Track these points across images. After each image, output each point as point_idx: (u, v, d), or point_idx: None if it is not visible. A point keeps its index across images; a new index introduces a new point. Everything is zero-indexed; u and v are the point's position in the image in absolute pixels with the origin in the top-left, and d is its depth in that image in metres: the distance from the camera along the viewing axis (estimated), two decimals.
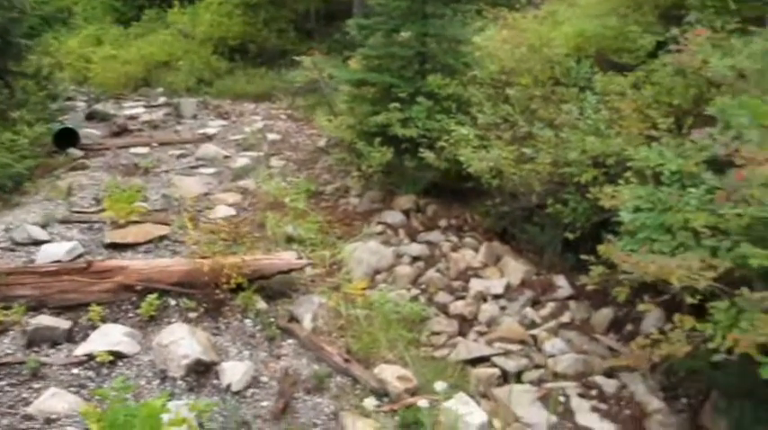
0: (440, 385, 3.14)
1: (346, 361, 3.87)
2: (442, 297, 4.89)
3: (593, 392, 3.91)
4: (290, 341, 4.13)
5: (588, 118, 4.76)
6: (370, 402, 3.33)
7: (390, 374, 3.69)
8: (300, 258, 4.93)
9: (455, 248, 5.39)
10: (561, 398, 3.85)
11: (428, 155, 5.51)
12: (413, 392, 3.59)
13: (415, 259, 5.35)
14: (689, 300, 2.92)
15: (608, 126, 4.61)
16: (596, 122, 4.67)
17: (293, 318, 4.36)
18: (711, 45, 4.57)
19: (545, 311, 4.67)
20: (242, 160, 7.79)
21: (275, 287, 4.61)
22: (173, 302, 4.28)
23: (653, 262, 2.84)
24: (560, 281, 4.89)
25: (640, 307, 3.39)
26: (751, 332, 2.46)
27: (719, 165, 3.36)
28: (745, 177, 2.72)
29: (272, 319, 4.27)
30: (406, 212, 5.97)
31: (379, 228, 5.81)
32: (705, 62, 4.25)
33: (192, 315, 4.20)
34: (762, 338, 2.44)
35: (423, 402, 3.19)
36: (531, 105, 5.50)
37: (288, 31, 13.48)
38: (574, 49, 6.05)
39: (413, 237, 5.65)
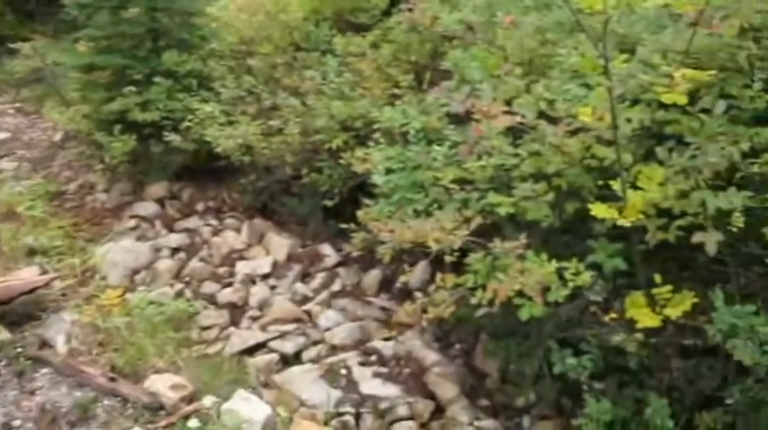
0: (209, 399, 2.92)
1: (112, 380, 3.47)
2: (208, 287, 4.61)
3: (373, 358, 3.92)
4: (44, 370, 3.61)
5: (332, 82, 4.70)
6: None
7: (163, 384, 3.37)
8: (45, 272, 4.35)
9: (216, 232, 5.12)
10: (343, 371, 3.80)
11: (174, 138, 5.16)
12: (190, 399, 3.31)
13: (176, 250, 4.99)
14: (448, 258, 2.96)
15: (352, 89, 4.58)
16: (340, 86, 4.62)
17: (45, 344, 3.82)
18: (440, 1, 4.70)
19: (315, 283, 4.59)
20: None
21: (19, 310, 4.01)
22: None
23: (409, 227, 2.82)
24: (326, 249, 4.84)
25: (402, 278, 3.44)
26: (507, 282, 2.53)
27: (461, 119, 3.43)
28: (483, 131, 2.77)
29: (20, 350, 3.71)
30: (160, 201, 5.55)
31: (133, 222, 5.34)
32: (436, 18, 4.35)
33: None
34: (518, 286, 2.51)
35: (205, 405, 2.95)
36: (274, 74, 5.34)
37: (4, 14, 11.92)
38: (311, 12, 5.94)
39: (170, 227, 5.27)
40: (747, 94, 2.91)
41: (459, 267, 3.13)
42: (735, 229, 2.65)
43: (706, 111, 2.84)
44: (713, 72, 2.63)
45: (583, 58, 2.82)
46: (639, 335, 2.78)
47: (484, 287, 2.76)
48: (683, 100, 2.38)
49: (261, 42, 5.61)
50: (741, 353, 2.52)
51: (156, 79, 5.41)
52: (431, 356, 3.84)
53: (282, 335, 4.10)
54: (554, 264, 2.67)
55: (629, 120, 2.83)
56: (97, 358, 3.72)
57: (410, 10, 4.49)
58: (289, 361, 3.93)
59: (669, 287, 2.67)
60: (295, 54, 5.43)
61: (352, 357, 3.91)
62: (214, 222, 5.28)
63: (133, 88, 5.36)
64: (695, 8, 2.51)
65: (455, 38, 4.22)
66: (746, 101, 2.91)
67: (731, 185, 2.73)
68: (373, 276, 4.57)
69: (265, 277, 4.65)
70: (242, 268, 4.70)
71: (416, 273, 4.27)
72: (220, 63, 5.68)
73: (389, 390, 3.66)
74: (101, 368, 3.57)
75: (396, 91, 4.26)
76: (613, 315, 2.83)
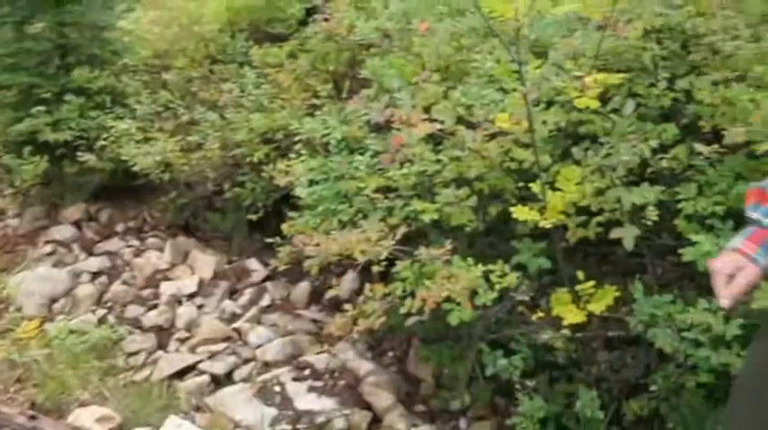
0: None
1: (32, 418, 3.29)
2: (132, 311, 4.46)
3: (307, 372, 3.87)
4: None
5: (250, 94, 4.63)
6: None
7: (88, 417, 3.25)
8: None
9: (138, 253, 4.96)
10: (277, 388, 3.74)
11: (89, 157, 4.98)
12: None
13: (96, 275, 4.80)
14: (375, 268, 2.96)
15: (271, 100, 4.52)
16: (259, 98, 4.55)
17: None
18: (356, 8, 4.70)
19: (244, 299, 4.50)
20: None
21: None
22: None
23: (335, 239, 2.80)
24: (253, 264, 4.76)
25: (330, 291, 3.43)
26: (435, 289, 2.54)
27: (381, 127, 3.44)
28: (404, 139, 2.78)
29: None
30: (77, 224, 5.34)
31: (48, 248, 5.12)
32: (352, 26, 4.35)
33: None
34: (445, 292, 2.52)
35: None
36: (191, 88, 5.23)
37: None
38: (227, 23, 5.84)
39: (89, 251, 5.07)
40: (653, 92, 3.02)
41: (387, 276, 3.13)
42: (649, 223, 2.75)
43: (616, 110, 2.95)
44: (622, 75, 2.72)
45: (498, 63, 2.87)
46: (566, 332, 2.85)
47: (413, 295, 2.77)
48: (595, 104, 2.45)
49: (176, 56, 5.49)
50: (661, 341, 2.62)
51: (67, 97, 5.20)
52: (365, 366, 3.82)
53: (212, 356, 3.99)
54: (480, 268, 2.70)
55: (544, 123, 2.90)
56: (15, 396, 3.55)
57: (326, 20, 4.49)
58: (220, 382, 3.83)
59: (592, 282, 2.74)
60: (212, 67, 5.33)
61: (285, 373, 3.85)
62: (135, 243, 5.12)
63: (42, 107, 5.15)
64: (602, 13, 2.59)
65: (372, 46, 4.23)
66: (653, 99, 3.02)
67: (644, 181, 2.83)
68: (302, 289, 4.52)
69: (192, 296, 4.53)
70: (167, 289, 4.57)
71: (345, 284, 4.26)
72: (134, 78, 5.52)
73: (325, 404, 3.63)
74: (20, 406, 3.40)
75: (315, 101, 4.23)
76: (540, 313, 2.89)
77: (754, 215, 1.47)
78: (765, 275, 1.43)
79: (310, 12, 5.21)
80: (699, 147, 2.74)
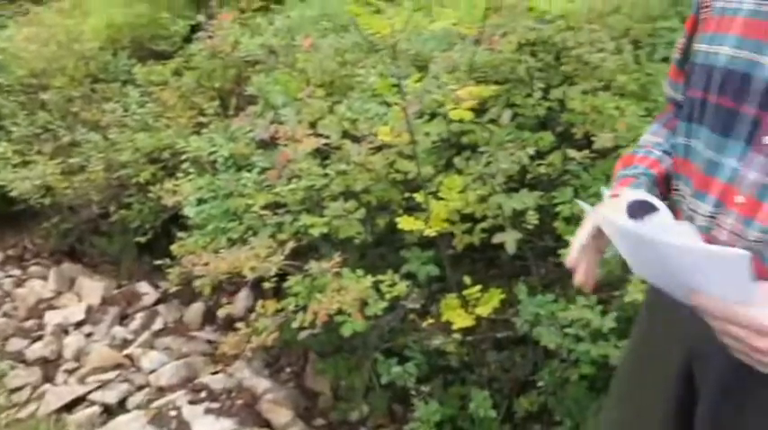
0: None
1: None
2: (14, 344, 4.22)
3: (203, 394, 3.78)
4: None
5: (134, 114, 4.52)
6: None
7: None
8: None
9: (20, 283, 4.72)
10: (172, 413, 3.63)
11: None
12: None
13: None
14: (267, 284, 2.95)
15: (156, 119, 4.43)
16: (143, 117, 4.45)
17: None
18: (240, 25, 4.69)
19: (135, 324, 4.36)
20: None
21: None
22: None
23: (223, 258, 2.77)
24: (144, 287, 4.62)
25: (219, 311, 3.40)
26: (326, 301, 2.56)
27: (268, 144, 3.44)
28: (290, 155, 2.80)
29: None
30: None
31: None
32: (237, 43, 4.33)
33: None
34: (336, 304, 2.55)
35: None
36: (71, 108, 5.04)
37: None
38: (108, 41, 5.68)
39: None
40: (529, 102, 3.17)
41: (280, 291, 3.12)
42: (530, 227, 2.87)
43: (494, 121, 3.08)
44: (496, 87, 2.84)
45: (380, 77, 2.94)
46: (457, 336, 2.93)
47: (305, 309, 2.78)
48: (468, 116, 2.53)
49: (54, 75, 5.27)
50: (546, 339, 2.74)
51: None
52: (262, 384, 3.78)
53: (103, 385, 3.84)
54: (369, 279, 2.74)
55: (427, 134, 2.99)
56: None
57: (210, 37, 4.44)
58: (113, 411, 3.69)
59: (478, 287, 2.83)
60: (93, 86, 5.16)
61: (180, 397, 3.75)
62: (17, 272, 4.87)
63: None
64: (474, 28, 2.70)
65: (258, 62, 4.23)
66: (529, 109, 3.17)
67: (524, 187, 2.96)
68: (195, 310, 4.43)
69: (79, 325, 4.34)
70: (52, 318, 4.37)
71: (239, 302, 4.21)
72: (10, 99, 5.27)
73: (223, 425, 3.56)
74: None
75: (202, 119, 4.18)
76: (431, 320, 2.96)
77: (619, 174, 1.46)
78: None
79: (195, 28, 5.14)
80: (572, 152, 2.89)
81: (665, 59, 3.14)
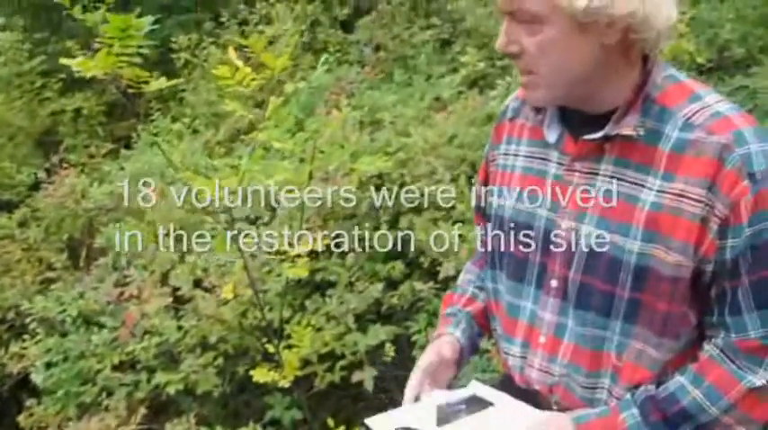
0: None
1: None
2: None
3: None
4: None
5: None
6: None
7: None
8: None
9: None
10: None
11: None
12: None
13: None
14: None
15: (1, 277, 4.21)
16: None
17: None
18: (90, 170, 4.63)
19: None
20: None
21: None
22: None
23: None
24: None
25: None
26: None
27: (119, 300, 3.34)
28: (137, 317, 2.74)
29: None
30: None
31: None
32: (85, 191, 4.27)
33: None
34: None
35: None
36: None
37: None
38: None
39: None
40: (377, 234, 3.28)
41: None
42: (389, 358, 2.93)
43: (346, 253, 3.17)
44: (335, 233, 2.94)
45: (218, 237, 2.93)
46: None
47: None
48: (304, 273, 2.52)
49: None
50: None
51: None
52: None
53: None
54: None
55: (279, 276, 3.02)
56: None
57: (51, 184, 4.35)
58: None
59: (342, 427, 2.82)
60: None
61: None
62: None
63: None
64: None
65: (110, 210, 4.17)
66: (376, 240, 3.27)
67: (380, 318, 3.04)
68: None
69: None
70: None
71: None
72: None
73: None
74: None
75: (50, 274, 4.01)
76: None
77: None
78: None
79: (39, 179, 5.01)
80: (418, 285, 3.00)
81: None
